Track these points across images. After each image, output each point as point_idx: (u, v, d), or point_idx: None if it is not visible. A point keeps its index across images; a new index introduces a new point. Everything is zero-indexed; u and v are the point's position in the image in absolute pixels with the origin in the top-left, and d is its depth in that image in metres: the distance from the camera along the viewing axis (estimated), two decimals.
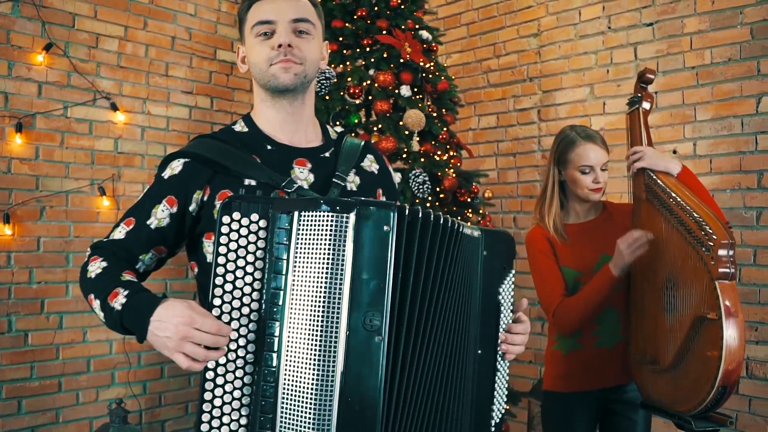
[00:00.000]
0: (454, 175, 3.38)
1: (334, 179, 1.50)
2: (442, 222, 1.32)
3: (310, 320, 1.20)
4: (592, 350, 2.38)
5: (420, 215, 1.27)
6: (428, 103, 3.42)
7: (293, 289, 1.22)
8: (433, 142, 3.37)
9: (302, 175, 1.49)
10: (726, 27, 3.55)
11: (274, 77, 1.48)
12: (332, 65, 3.41)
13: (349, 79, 3.32)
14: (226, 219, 1.23)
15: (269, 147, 1.52)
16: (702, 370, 1.99)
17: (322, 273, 1.20)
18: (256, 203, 1.25)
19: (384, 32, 3.41)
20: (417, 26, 3.56)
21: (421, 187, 3.16)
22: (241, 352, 1.24)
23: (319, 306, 1.20)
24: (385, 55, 3.34)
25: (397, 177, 3.07)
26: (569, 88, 4.18)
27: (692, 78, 3.68)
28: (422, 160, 3.28)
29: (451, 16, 4.79)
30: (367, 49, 3.38)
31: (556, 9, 4.24)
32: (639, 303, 2.33)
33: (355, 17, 3.47)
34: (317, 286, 1.20)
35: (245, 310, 1.24)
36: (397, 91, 3.34)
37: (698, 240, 2.00)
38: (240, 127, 1.57)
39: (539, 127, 4.31)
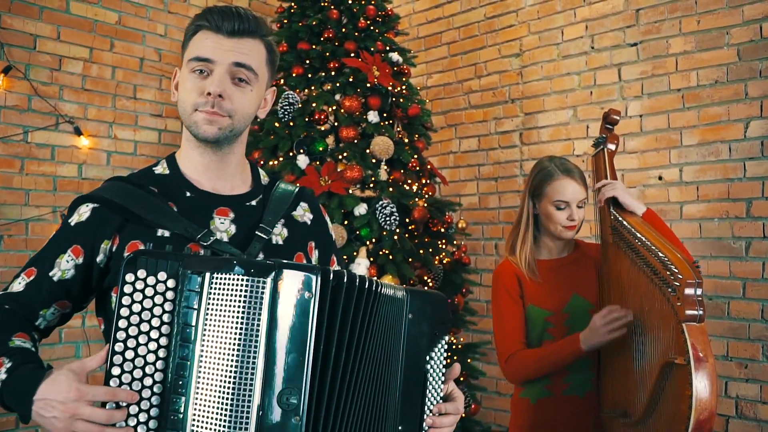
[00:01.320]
0: (425, 205, 3.20)
1: (257, 231, 1.36)
2: (367, 285, 1.20)
3: (220, 397, 1.08)
4: (562, 398, 2.21)
5: (345, 279, 1.16)
6: (398, 128, 3.25)
7: (202, 361, 1.10)
8: (402, 171, 3.20)
9: (222, 226, 1.35)
10: (712, 48, 3.39)
11: (195, 125, 1.33)
12: (297, 90, 3.26)
13: (314, 104, 3.16)
14: (129, 277, 1.12)
15: (189, 194, 1.37)
16: (672, 423, 1.83)
17: (234, 344, 1.08)
18: (164, 260, 1.14)
19: (352, 55, 3.25)
20: (388, 48, 3.40)
21: (388, 219, 3.00)
22: (141, 429, 1.10)
23: (229, 381, 1.08)
24: (351, 79, 3.18)
25: (362, 208, 2.91)
26: (552, 110, 4.01)
27: (678, 100, 3.51)
28: (390, 189, 3.11)
29: (431, 35, 4.64)
30: (333, 73, 3.22)
31: (539, 28, 4.08)
32: (608, 350, 2.17)
33: (322, 39, 3.31)
34: (228, 359, 1.08)
35: (148, 381, 1.11)
36: (364, 116, 3.18)
37: (664, 281, 1.86)
38: (161, 168, 1.43)
39: (521, 150, 4.15)
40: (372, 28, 3.37)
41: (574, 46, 3.92)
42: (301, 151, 3.15)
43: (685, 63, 3.48)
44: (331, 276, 1.14)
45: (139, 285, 1.12)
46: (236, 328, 1.09)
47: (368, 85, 3.19)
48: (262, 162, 3.26)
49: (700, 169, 3.43)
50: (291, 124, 3.21)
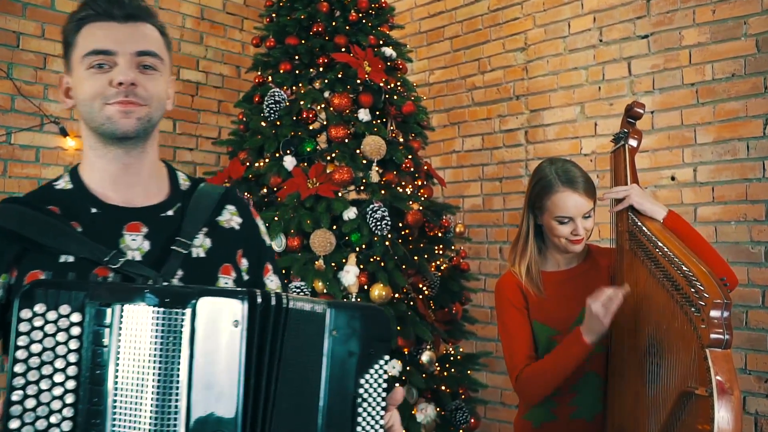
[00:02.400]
0: (420, 208, 3.02)
1: (173, 246, 1.21)
2: (284, 303, 1.05)
3: None
4: (568, 423, 2.01)
5: (273, 301, 1.03)
6: (392, 127, 3.07)
7: (116, 408, 0.97)
8: (395, 172, 3.02)
9: (134, 243, 1.20)
10: (729, 39, 3.17)
11: (110, 121, 1.18)
12: (284, 87, 3.08)
13: (302, 102, 2.99)
14: (25, 313, 0.97)
15: (94, 209, 1.22)
16: None
17: (152, 387, 0.97)
18: (67, 290, 1.00)
19: (342, 50, 3.07)
20: (381, 42, 3.22)
21: (379, 223, 2.82)
22: None
23: (148, 429, 0.96)
24: (340, 76, 3.00)
25: (352, 212, 2.74)
26: (558, 107, 3.81)
27: (692, 96, 3.29)
28: (383, 192, 2.93)
29: (433, 30, 4.44)
30: (321, 69, 3.05)
31: (544, 21, 3.87)
32: (618, 369, 1.97)
33: (311, 33, 3.14)
34: (146, 405, 0.96)
35: None
36: (355, 115, 3.00)
37: (687, 298, 1.65)
38: (63, 183, 1.27)
39: (526, 149, 3.95)
40: (364, 21, 3.19)
41: (582, 39, 3.71)
42: (288, 151, 2.97)
43: (699, 56, 3.27)
44: (259, 299, 1.00)
45: (38, 322, 0.97)
46: (153, 367, 0.96)
47: (358, 81, 3.00)
48: (248, 164, 3.09)
49: (716, 169, 3.21)
50: (278, 123, 3.04)
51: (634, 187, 1.99)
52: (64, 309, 0.98)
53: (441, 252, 3.16)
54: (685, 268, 1.68)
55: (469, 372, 3.22)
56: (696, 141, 3.28)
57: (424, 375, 2.92)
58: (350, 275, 2.81)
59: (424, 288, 3.06)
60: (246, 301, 0.99)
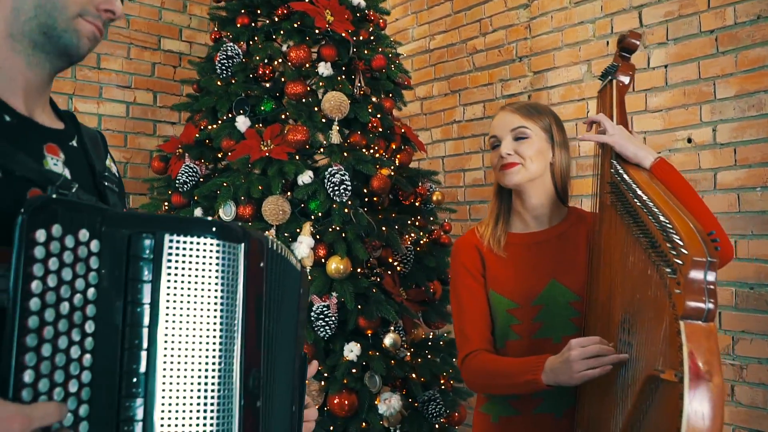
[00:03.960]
0: (392, 174, 2.67)
1: (104, 181, 1.06)
2: (283, 251, 1.04)
3: (201, 393, 0.83)
4: (532, 418, 1.66)
5: (274, 246, 1.00)
6: (359, 84, 2.74)
7: (168, 349, 0.82)
8: (359, 132, 2.69)
9: (57, 168, 0.97)
10: None
11: (77, 35, 0.96)
12: (240, 42, 2.79)
13: (257, 57, 2.69)
14: (40, 235, 0.74)
15: (8, 118, 0.94)
16: None
17: (214, 326, 0.85)
18: (84, 213, 0.80)
19: None
20: None
21: (337, 188, 2.49)
22: None
23: (213, 372, 0.84)
24: (297, 25, 2.68)
25: (307, 176, 2.42)
26: (563, 66, 3.40)
27: (710, 45, 2.85)
28: (345, 154, 2.60)
29: None
30: (276, 19, 2.73)
31: None
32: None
33: None
34: (207, 345, 0.84)
35: (73, 387, 0.77)
36: (315, 69, 2.68)
37: (663, 257, 1.27)
38: None
39: None
40: None
41: None
42: (242, 111, 2.68)
43: None
44: (272, 244, 0.98)
45: (54, 247, 0.75)
46: (214, 305, 0.85)
47: (318, 32, 2.68)
48: (202, 126, 2.81)
49: (738, 127, 2.76)
50: (233, 81, 2.75)
51: (620, 128, 1.62)
52: (83, 234, 0.78)
53: (417, 224, 2.81)
54: (663, 218, 1.30)
55: (455, 360, 2.86)
56: (715, 96, 2.83)
57: (393, 361, 2.58)
58: (303, 246, 2.49)
59: (396, 263, 2.72)
60: (267, 243, 0.95)
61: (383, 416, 2.47)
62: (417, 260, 2.78)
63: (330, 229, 2.54)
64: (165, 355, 0.81)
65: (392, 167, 2.72)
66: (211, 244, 0.84)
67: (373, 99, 2.81)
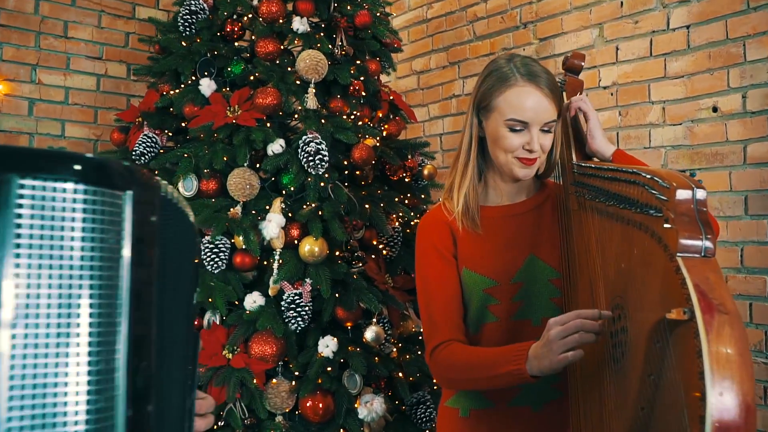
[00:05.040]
0: (377, 144, 2.35)
1: None
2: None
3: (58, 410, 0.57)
4: (506, 411, 1.46)
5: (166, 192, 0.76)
6: (341, 43, 2.41)
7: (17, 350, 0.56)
8: (339, 96, 2.36)
9: None
10: None
11: None
12: None
13: (224, 12, 2.37)
14: None
15: None
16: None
17: (86, 309, 0.59)
18: None
19: None
20: None
21: (312, 159, 2.17)
22: None
23: (79, 378, 0.59)
24: None
25: (278, 144, 2.11)
26: (572, 31, 3.06)
27: (739, 0, 2.51)
28: (323, 121, 2.28)
29: None
30: None
31: None
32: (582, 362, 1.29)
33: None
34: (75, 336, 0.59)
35: None
36: (289, 26, 2.36)
37: (644, 207, 1.07)
38: None
39: None
40: None
41: None
42: (206, 74, 2.36)
43: None
44: (164, 190, 0.75)
45: None
46: (86, 281, 0.59)
47: None
48: (164, 92, 2.50)
49: None
50: (198, 40, 2.43)
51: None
52: None
53: (406, 202, 2.48)
54: (634, 171, 1.14)
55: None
56: (745, 58, 2.49)
57: (376, 358, 2.26)
58: (272, 225, 2.17)
59: (381, 246, 2.40)
60: (158, 189, 0.73)
61: (364, 421, 2.15)
62: (405, 243, 2.46)
63: (304, 206, 2.22)
64: (10, 360, 0.55)
65: (378, 137, 2.39)
66: (85, 191, 0.59)
67: (357, 62, 2.48)
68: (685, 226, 0.94)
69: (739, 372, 0.82)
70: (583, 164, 1.41)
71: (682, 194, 0.97)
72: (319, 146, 2.19)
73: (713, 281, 0.89)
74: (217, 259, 2.21)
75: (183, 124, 2.45)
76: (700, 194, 0.97)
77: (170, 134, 2.48)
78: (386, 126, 2.52)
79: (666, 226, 0.96)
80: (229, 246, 2.25)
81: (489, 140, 1.46)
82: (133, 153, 2.40)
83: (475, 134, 1.49)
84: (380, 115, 2.51)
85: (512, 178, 1.47)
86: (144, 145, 2.39)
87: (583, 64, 1.59)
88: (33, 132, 3.35)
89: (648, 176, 1.05)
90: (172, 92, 2.44)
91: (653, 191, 1.02)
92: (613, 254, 1.18)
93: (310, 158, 2.18)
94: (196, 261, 0.90)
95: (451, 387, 1.50)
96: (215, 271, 2.22)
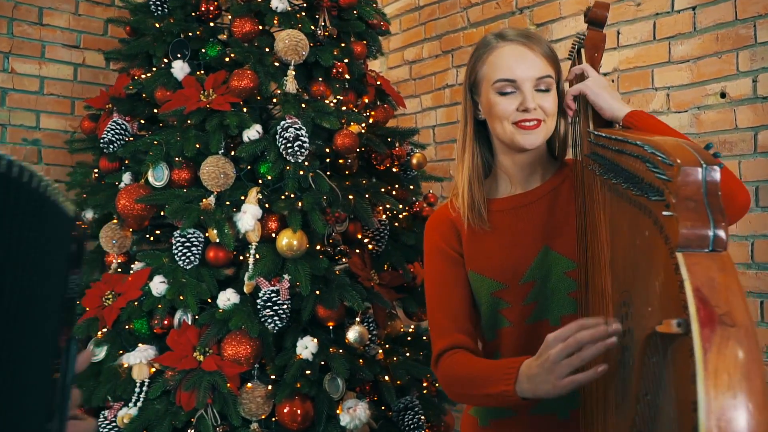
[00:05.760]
0: (362, 131, 2.19)
1: None
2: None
3: None
4: (529, 419, 1.31)
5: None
6: (323, 23, 2.25)
7: None
8: (321, 78, 2.21)
9: None
10: None
11: None
12: None
13: None
14: None
15: None
16: None
17: None
18: None
19: None
20: None
21: (291, 146, 2.01)
22: None
23: None
24: None
25: (255, 130, 1.95)
26: (570, 16, 2.91)
27: None
28: (303, 106, 2.12)
29: None
30: None
31: None
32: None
33: None
34: None
35: None
36: (268, 5, 2.20)
37: (647, 188, 0.88)
38: None
39: None
40: None
41: None
42: (179, 56, 2.20)
43: None
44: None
45: None
46: None
47: None
48: (137, 76, 2.34)
49: None
50: (171, 21, 2.27)
51: (598, 77, 1.31)
52: None
53: (394, 193, 2.32)
54: (639, 143, 0.94)
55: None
56: (756, 39, 2.34)
57: (361, 360, 2.09)
58: (247, 217, 2.01)
59: (367, 240, 2.24)
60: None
61: (346, 429, 1.98)
62: (393, 237, 2.30)
63: (283, 197, 2.07)
64: None
65: (363, 124, 2.24)
66: None
67: (342, 45, 2.32)
68: (688, 214, 0.76)
69: (746, 405, 0.63)
70: (597, 132, 1.23)
71: (689, 174, 0.78)
72: (298, 132, 2.03)
73: (720, 284, 0.71)
74: (189, 254, 2.05)
75: (156, 111, 2.29)
76: (713, 174, 0.78)
77: (143, 121, 2.32)
78: (373, 113, 2.36)
79: (666, 213, 0.79)
80: (203, 240, 2.09)
81: (487, 117, 1.34)
82: (101, 141, 2.24)
83: (470, 116, 1.38)
84: (366, 100, 2.35)
85: (518, 150, 1.32)
86: (112, 132, 2.23)
87: (607, 14, 1.44)
88: (6, 123, 3.19)
89: (650, 150, 0.88)
90: (143, 76, 2.28)
91: (655, 170, 0.85)
92: (623, 240, 1.01)
93: (289, 145, 2.02)
94: (71, 261, 0.70)
95: (458, 400, 1.36)
96: (187, 267, 2.07)
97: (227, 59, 2.18)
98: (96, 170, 2.40)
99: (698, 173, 0.78)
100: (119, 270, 2.26)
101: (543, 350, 1.05)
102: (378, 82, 2.43)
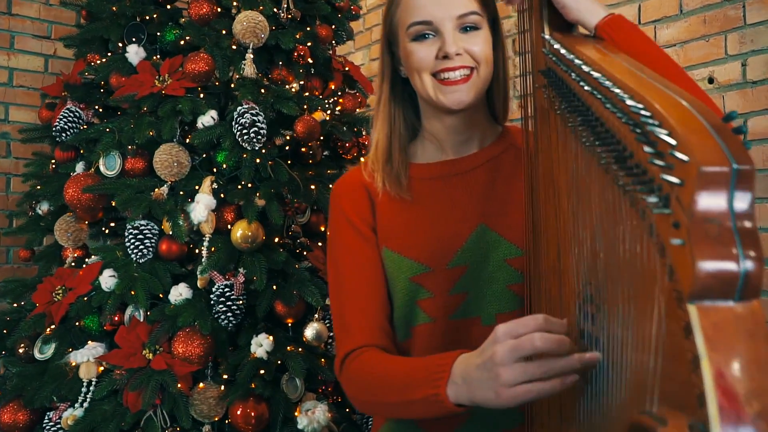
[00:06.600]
0: (326, 118, 2.08)
1: None
2: None
3: None
4: None
5: None
6: (286, 5, 2.14)
7: None
8: (281, 63, 2.09)
9: None
10: None
11: None
12: None
13: None
14: None
15: None
16: None
17: None
18: None
19: None
20: None
21: (247, 132, 1.90)
22: None
23: None
24: None
25: (209, 116, 1.85)
26: None
27: None
28: (262, 90, 2.01)
29: None
30: None
31: None
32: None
33: None
34: None
35: None
36: None
37: (638, 175, 0.59)
38: None
39: (515, 63, 2.93)
40: None
41: None
42: (134, 40, 2.09)
43: None
44: None
45: None
46: None
47: None
48: (93, 62, 2.23)
49: None
50: (127, 3, 2.17)
51: None
52: None
53: None
54: (631, 101, 0.62)
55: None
56: (745, 21, 2.21)
57: (323, 360, 1.98)
58: (200, 207, 1.90)
59: (329, 231, 2.12)
60: None
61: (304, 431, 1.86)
62: None
63: (239, 186, 1.95)
64: None
65: (328, 111, 2.12)
66: None
67: (308, 29, 2.21)
68: (707, 246, 0.50)
69: None
70: (556, 44, 0.86)
71: (711, 181, 0.50)
72: (255, 118, 1.91)
73: (751, 360, 0.48)
74: (141, 247, 1.94)
75: (111, 97, 2.18)
76: (743, 202, 0.51)
77: (100, 109, 2.21)
78: (341, 100, 2.24)
79: (674, 241, 0.52)
80: (157, 232, 1.98)
81: (406, 70, 1.12)
82: (54, 129, 2.14)
83: (387, 73, 1.14)
84: (333, 87, 2.23)
85: (446, 112, 1.08)
86: (65, 120, 2.12)
87: None
88: None
89: (646, 119, 0.58)
90: (98, 62, 2.17)
91: (655, 158, 0.55)
92: (591, 210, 0.75)
93: (245, 131, 1.91)
94: None
95: (368, 411, 1.14)
96: (141, 260, 1.96)
97: (183, 43, 2.07)
98: (53, 161, 2.29)
99: (724, 186, 0.50)
100: (73, 264, 2.16)
101: (488, 345, 0.81)
102: (346, 68, 2.31)
